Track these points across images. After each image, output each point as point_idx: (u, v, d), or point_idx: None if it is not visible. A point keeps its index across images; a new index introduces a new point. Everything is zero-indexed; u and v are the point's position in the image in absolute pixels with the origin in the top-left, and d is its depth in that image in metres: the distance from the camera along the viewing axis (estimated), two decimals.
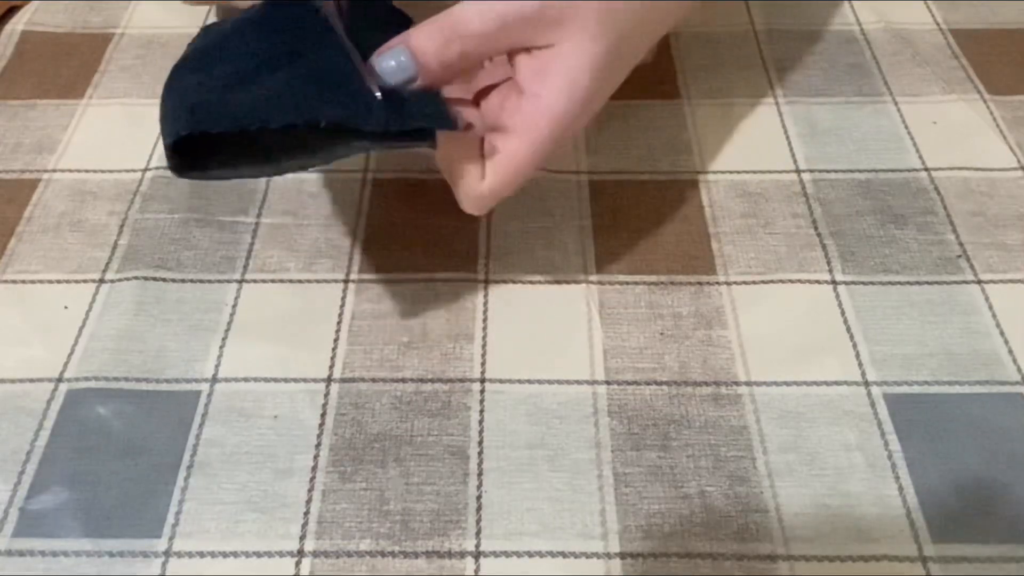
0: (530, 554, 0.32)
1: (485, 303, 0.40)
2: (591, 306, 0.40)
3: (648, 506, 0.34)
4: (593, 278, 0.41)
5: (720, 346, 0.38)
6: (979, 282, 0.41)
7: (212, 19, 0.54)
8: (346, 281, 0.41)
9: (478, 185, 0.35)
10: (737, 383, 0.37)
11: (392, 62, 0.33)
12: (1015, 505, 0.33)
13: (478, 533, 0.33)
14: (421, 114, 0.32)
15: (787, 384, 0.37)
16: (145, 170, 0.46)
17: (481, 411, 0.36)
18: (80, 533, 0.33)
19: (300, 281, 0.41)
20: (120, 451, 0.35)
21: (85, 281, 0.41)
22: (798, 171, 0.46)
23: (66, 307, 0.40)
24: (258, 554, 0.32)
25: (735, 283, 0.41)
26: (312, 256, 0.42)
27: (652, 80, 0.51)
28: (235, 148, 0.32)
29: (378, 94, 0.32)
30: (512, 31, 0.33)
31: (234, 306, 0.40)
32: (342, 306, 0.40)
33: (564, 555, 0.32)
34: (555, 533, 0.33)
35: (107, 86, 0.51)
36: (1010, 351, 0.38)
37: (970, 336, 0.39)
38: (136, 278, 0.41)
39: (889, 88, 0.50)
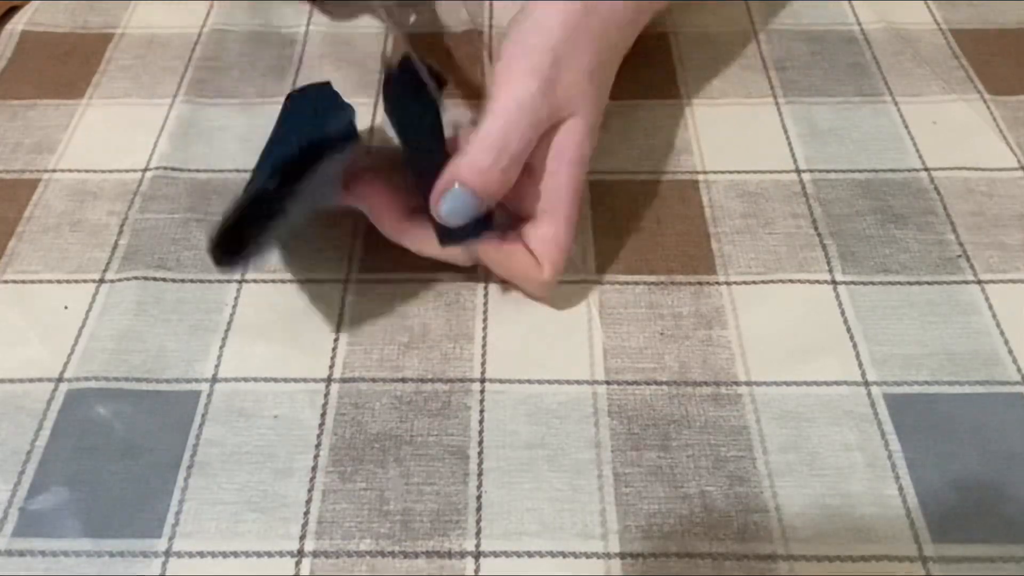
0: (530, 554, 0.32)
1: (485, 303, 0.40)
2: (591, 306, 0.40)
3: (648, 506, 0.34)
4: (593, 278, 0.41)
5: (720, 346, 0.38)
6: (979, 282, 0.41)
7: (212, 19, 0.54)
8: (346, 281, 0.41)
9: (539, 275, 0.38)
10: (737, 383, 0.37)
11: (453, 205, 0.36)
12: (1015, 505, 0.33)
13: (478, 533, 0.33)
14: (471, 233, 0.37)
15: (787, 384, 0.37)
16: (145, 170, 0.46)
17: (481, 411, 0.36)
18: (80, 533, 0.33)
19: (300, 281, 0.41)
20: (120, 451, 0.35)
21: (85, 281, 0.41)
22: (798, 171, 0.46)
23: (66, 307, 0.40)
24: (258, 554, 0.32)
25: (735, 283, 0.41)
26: (312, 256, 0.42)
27: (652, 80, 0.51)
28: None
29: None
30: (544, 131, 0.37)
31: (234, 306, 0.40)
32: (342, 306, 0.40)
33: (564, 555, 0.32)
34: (555, 533, 0.33)
35: (107, 86, 0.51)
36: (1010, 351, 0.38)
37: (970, 336, 0.39)
38: (136, 278, 0.41)
39: (889, 88, 0.50)
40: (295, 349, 0.38)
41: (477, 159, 0.35)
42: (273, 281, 0.41)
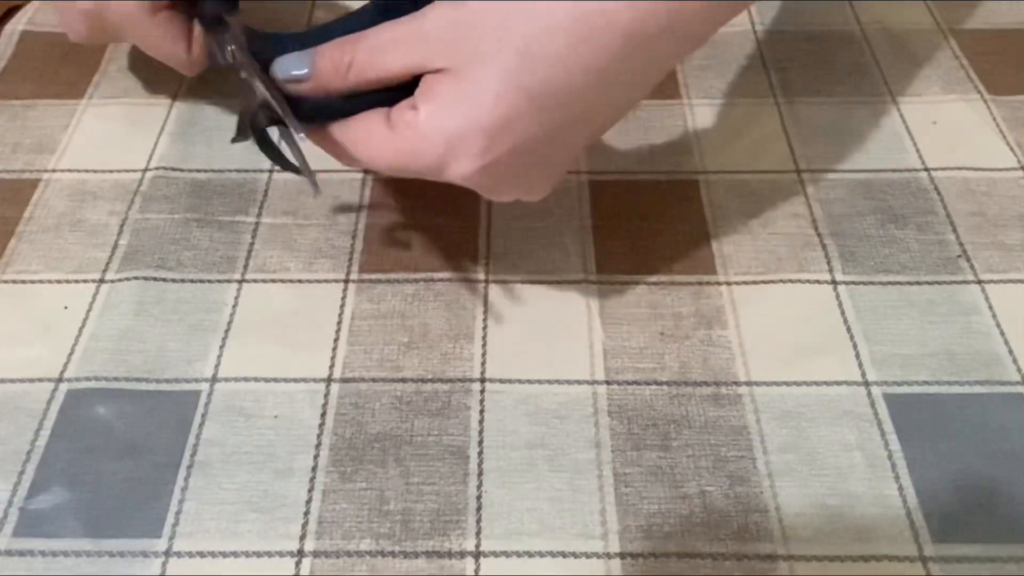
0: (530, 554, 0.32)
1: (485, 303, 0.40)
2: (591, 306, 0.40)
3: (648, 506, 0.34)
4: (593, 278, 0.41)
5: (720, 346, 0.38)
6: (979, 282, 0.41)
7: None
8: (346, 281, 0.41)
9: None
10: (737, 383, 0.37)
11: (291, 59, 0.33)
12: (1015, 505, 0.33)
13: (478, 533, 0.33)
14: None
15: (787, 384, 0.37)
16: (145, 170, 0.46)
17: (481, 411, 0.36)
18: (80, 533, 0.33)
19: (300, 281, 0.41)
20: (120, 451, 0.35)
21: (85, 281, 0.41)
22: (798, 171, 0.46)
23: (66, 307, 0.40)
24: (258, 554, 0.32)
25: (735, 283, 0.41)
26: (312, 256, 0.42)
27: None
28: None
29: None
30: (402, 48, 0.32)
31: (234, 306, 0.40)
32: (342, 306, 0.40)
33: (564, 555, 0.32)
34: (555, 533, 0.33)
35: (107, 86, 0.51)
36: (1010, 351, 0.38)
37: (970, 336, 0.39)
38: (136, 278, 0.41)
39: (889, 88, 0.50)
40: (295, 349, 0.38)
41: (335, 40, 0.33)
42: (273, 281, 0.41)
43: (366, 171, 0.43)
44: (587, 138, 0.34)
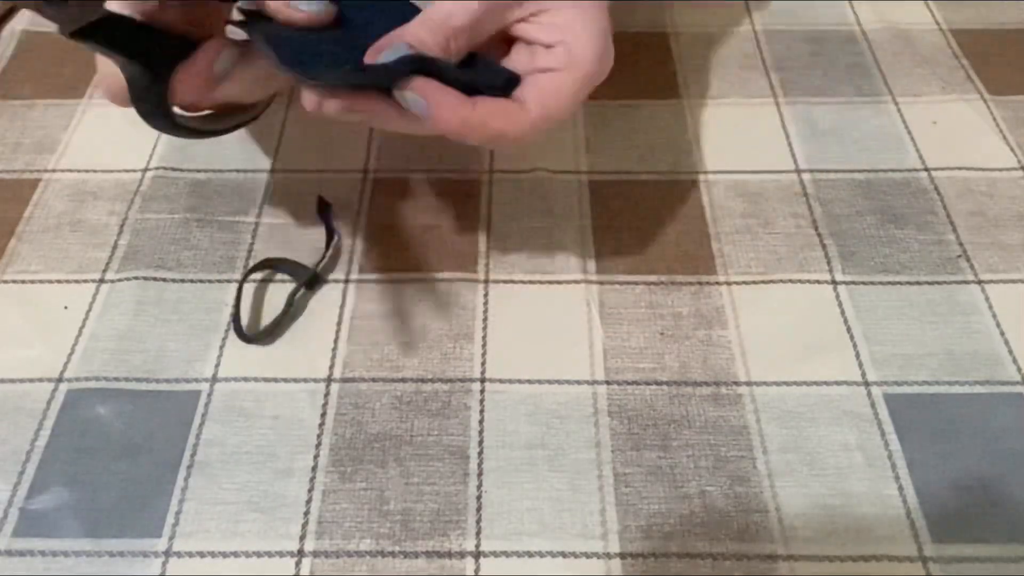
0: (530, 554, 0.32)
1: (485, 303, 0.40)
2: (591, 306, 0.40)
3: (648, 506, 0.34)
4: (593, 278, 0.41)
5: (720, 346, 0.38)
6: (979, 282, 0.41)
7: None
8: (346, 281, 0.41)
9: (519, 117, 0.33)
10: (737, 383, 0.37)
11: (393, 56, 0.32)
12: (1015, 505, 0.33)
13: (478, 533, 0.33)
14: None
15: (787, 384, 0.37)
16: (145, 170, 0.46)
17: (481, 411, 0.36)
18: (80, 533, 0.33)
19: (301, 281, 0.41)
20: (120, 451, 0.35)
21: (85, 281, 0.41)
22: (798, 171, 0.46)
23: (66, 307, 0.40)
24: (258, 554, 0.32)
25: (735, 283, 0.41)
26: (312, 256, 0.42)
27: (652, 80, 0.51)
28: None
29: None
30: (495, 14, 0.33)
31: (234, 306, 0.40)
32: (342, 306, 0.40)
33: (564, 555, 0.32)
34: (555, 533, 0.33)
35: None
36: (1010, 351, 0.38)
37: (970, 336, 0.39)
38: (136, 278, 0.41)
39: (889, 88, 0.50)
40: (295, 349, 0.38)
41: (422, 21, 0.33)
42: (273, 281, 0.41)
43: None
44: None
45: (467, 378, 0.37)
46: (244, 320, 0.39)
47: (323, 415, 0.36)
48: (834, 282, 0.41)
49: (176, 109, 0.34)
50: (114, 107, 0.45)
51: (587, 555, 0.32)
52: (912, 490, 0.34)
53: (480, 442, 0.35)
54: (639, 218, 0.43)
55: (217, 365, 0.38)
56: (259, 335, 0.38)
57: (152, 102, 0.33)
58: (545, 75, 0.33)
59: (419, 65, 0.31)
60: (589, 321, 0.39)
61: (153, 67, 0.32)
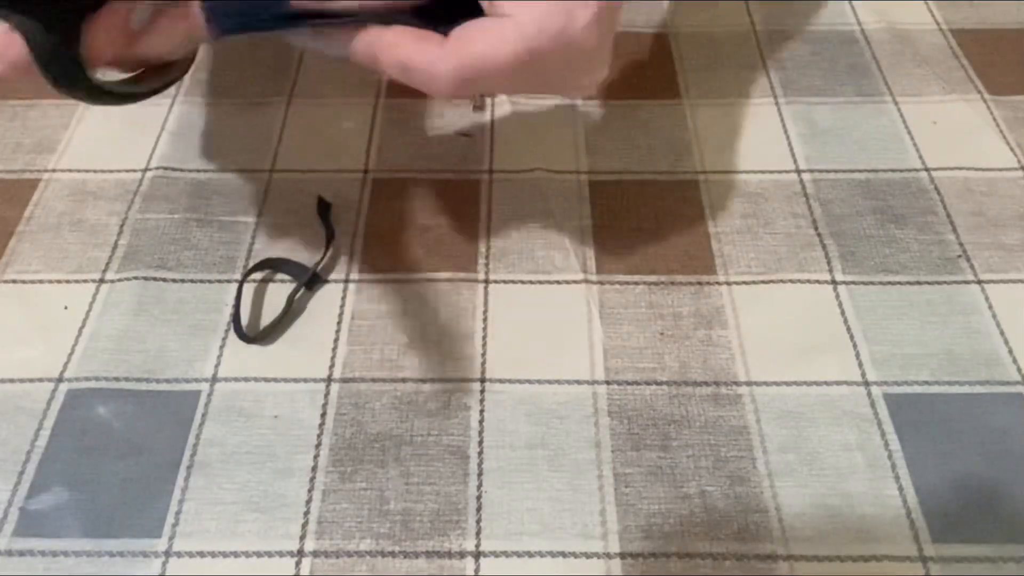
0: (530, 554, 0.32)
1: (485, 303, 0.40)
2: (591, 306, 0.40)
3: (648, 506, 0.34)
4: (593, 278, 0.41)
5: (720, 346, 0.38)
6: (979, 282, 0.41)
7: None
8: (346, 281, 0.41)
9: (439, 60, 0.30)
10: (737, 383, 0.37)
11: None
12: (1015, 505, 0.33)
13: (478, 533, 0.33)
14: None
15: (787, 384, 0.37)
16: (145, 170, 0.46)
17: (481, 411, 0.36)
18: (80, 533, 0.33)
19: (300, 281, 0.41)
20: (120, 451, 0.35)
21: (85, 281, 0.41)
22: (798, 171, 0.46)
23: (66, 307, 0.40)
24: (258, 554, 0.32)
25: (735, 283, 0.41)
26: (312, 256, 0.42)
27: (652, 80, 0.51)
28: None
29: None
30: None
31: (235, 306, 0.40)
32: (342, 306, 0.40)
33: (564, 555, 0.32)
34: (555, 533, 0.33)
35: None
36: (1010, 351, 0.38)
37: (970, 336, 0.39)
38: (136, 278, 0.41)
39: (889, 88, 0.50)
40: (295, 349, 0.38)
41: None
42: (273, 281, 0.41)
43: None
44: None
45: (467, 378, 0.37)
46: (244, 320, 0.39)
47: (323, 415, 0.36)
48: (834, 282, 0.41)
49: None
50: (114, 107, 0.45)
51: (587, 555, 0.32)
52: (912, 490, 0.34)
53: (480, 442, 0.35)
54: (639, 218, 0.43)
55: (217, 365, 0.38)
56: (259, 335, 0.38)
57: (62, 65, 0.29)
58: (477, 21, 0.30)
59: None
60: (589, 321, 0.39)
61: (58, 24, 0.28)
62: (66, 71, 0.29)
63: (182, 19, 0.30)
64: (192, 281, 0.41)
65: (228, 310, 0.40)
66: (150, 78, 0.33)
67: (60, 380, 0.37)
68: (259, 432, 0.36)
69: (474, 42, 0.29)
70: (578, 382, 0.37)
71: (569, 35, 0.29)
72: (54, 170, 0.46)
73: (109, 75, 0.31)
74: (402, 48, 0.30)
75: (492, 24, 0.29)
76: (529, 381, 0.37)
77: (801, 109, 0.49)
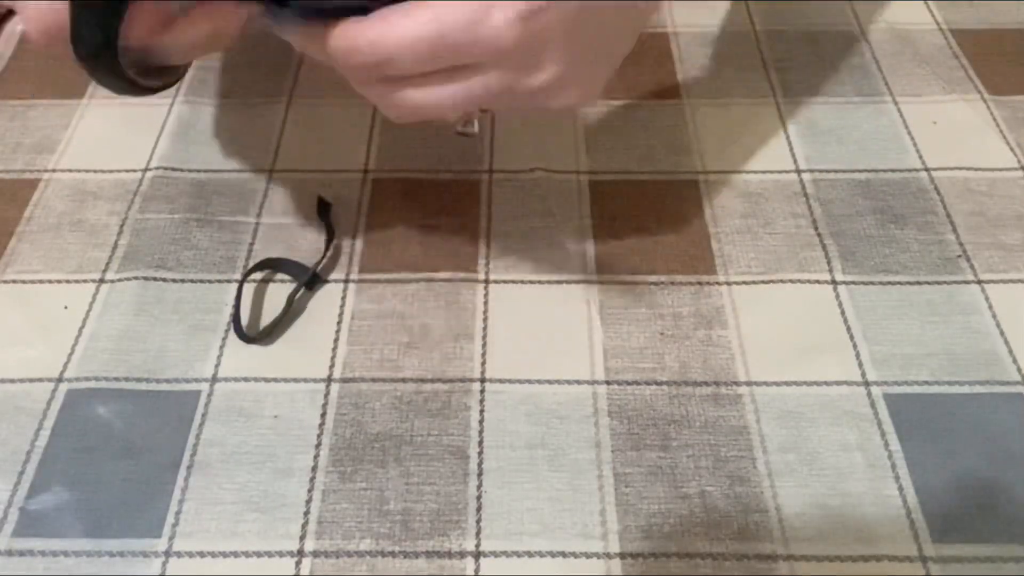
0: (530, 554, 0.32)
1: (485, 303, 0.40)
2: (591, 306, 0.40)
3: (648, 506, 0.34)
4: (593, 278, 0.41)
5: (720, 346, 0.38)
6: (979, 282, 0.41)
7: None
8: (346, 281, 0.41)
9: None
10: (737, 383, 0.37)
11: None
12: (1015, 505, 0.33)
13: (478, 533, 0.33)
14: None
15: (787, 384, 0.37)
16: (145, 170, 0.46)
17: (481, 411, 0.36)
18: (80, 533, 0.33)
19: (301, 281, 0.41)
20: (120, 451, 0.35)
21: (85, 281, 0.41)
22: (798, 171, 0.46)
23: (66, 307, 0.40)
24: (258, 554, 0.32)
25: (735, 283, 0.41)
26: (312, 256, 0.42)
27: (652, 80, 0.51)
28: None
29: None
30: None
31: (234, 306, 0.40)
32: (342, 306, 0.40)
33: (564, 555, 0.32)
34: (555, 533, 0.33)
35: None
36: (1010, 351, 0.38)
37: (970, 336, 0.39)
38: (136, 278, 0.41)
39: (889, 88, 0.50)
40: (295, 349, 0.38)
41: None
42: (273, 281, 0.41)
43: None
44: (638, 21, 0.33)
45: (467, 378, 0.37)
46: (244, 320, 0.39)
47: (323, 415, 0.36)
48: (834, 282, 0.41)
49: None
50: (114, 107, 0.45)
51: (587, 555, 0.32)
52: (912, 490, 0.34)
53: (480, 442, 0.35)
54: (639, 218, 0.43)
55: (217, 365, 0.38)
56: (259, 335, 0.38)
57: (97, 43, 0.29)
58: (403, 3, 0.29)
59: None
60: (589, 321, 0.39)
61: (106, 3, 0.29)
62: (99, 49, 0.30)
63: (215, 13, 0.32)
64: (192, 281, 0.41)
65: (228, 310, 0.40)
66: (160, 73, 0.34)
67: (60, 380, 0.37)
68: (259, 432, 0.36)
69: (391, 19, 0.29)
70: (578, 382, 0.37)
71: (482, 30, 0.29)
72: (54, 170, 0.46)
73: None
74: (336, 38, 0.30)
75: (413, 6, 0.29)
76: (529, 381, 0.37)
77: (801, 109, 0.49)
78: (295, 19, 0.31)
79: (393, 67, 0.30)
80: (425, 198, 0.44)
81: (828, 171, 0.46)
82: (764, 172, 0.46)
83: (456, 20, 0.29)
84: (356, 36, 0.30)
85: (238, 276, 0.41)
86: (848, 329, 0.39)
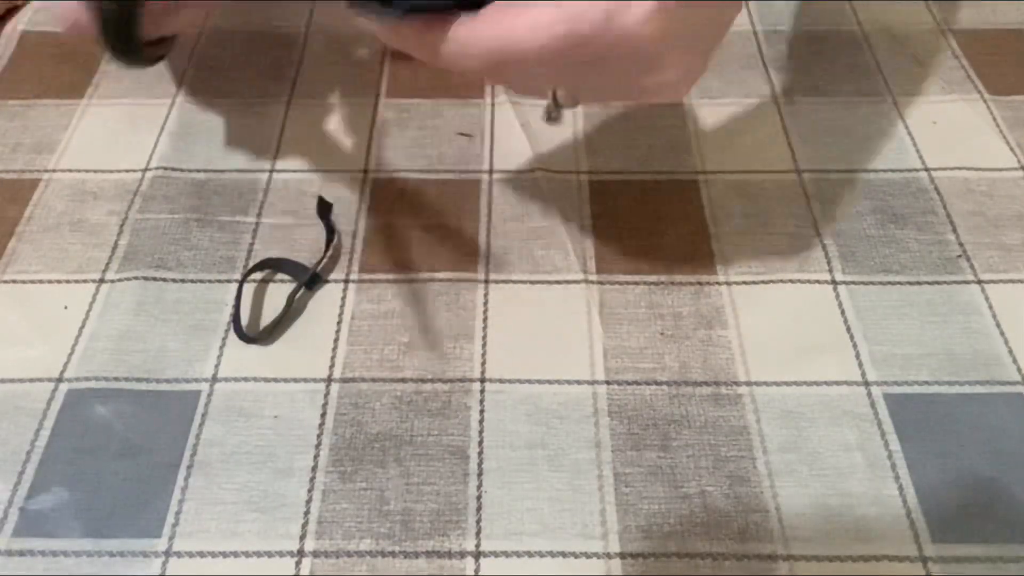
0: (530, 554, 0.32)
1: (485, 303, 0.40)
2: (591, 306, 0.40)
3: (648, 506, 0.34)
4: (593, 278, 0.41)
5: (720, 346, 0.38)
6: (979, 282, 0.41)
7: (211, 20, 0.54)
8: (346, 281, 0.41)
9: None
10: (737, 383, 0.37)
11: None
12: (1015, 505, 0.33)
13: (478, 533, 0.33)
14: None
15: (787, 384, 0.37)
16: (145, 170, 0.46)
17: (481, 411, 0.36)
18: (80, 533, 0.33)
19: (300, 281, 0.41)
20: (120, 451, 0.35)
21: (85, 281, 0.41)
22: (798, 171, 0.46)
23: (66, 307, 0.40)
24: (258, 554, 0.32)
25: (735, 283, 0.41)
26: (312, 256, 0.42)
27: None
28: None
29: None
30: None
31: (235, 306, 0.40)
32: (342, 306, 0.40)
33: (564, 555, 0.32)
34: (555, 533, 0.33)
35: (107, 86, 0.51)
36: (1010, 351, 0.38)
37: (970, 336, 0.39)
38: (136, 278, 0.41)
39: (889, 88, 0.50)
40: (295, 349, 0.38)
41: None
42: (273, 281, 0.41)
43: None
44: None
45: (467, 378, 0.37)
46: (244, 320, 0.39)
47: (323, 415, 0.36)
48: (834, 282, 0.41)
49: None
50: (114, 107, 0.45)
51: (587, 555, 0.32)
52: (912, 490, 0.34)
53: (480, 442, 0.35)
54: (639, 218, 0.43)
55: (217, 365, 0.38)
56: (259, 335, 0.38)
57: (123, 29, 0.34)
58: (516, 1, 0.28)
59: None
60: (589, 321, 0.39)
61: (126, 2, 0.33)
62: (126, 32, 0.34)
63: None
64: (192, 281, 0.41)
65: (228, 310, 0.40)
66: (156, 47, 0.40)
67: (60, 380, 0.37)
68: (259, 432, 0.36)
69: (510, 19, 0.27)
70: (578, 382, 0.37)
71: (619, 25, 0.27)
72: (54, 170, 0.46)
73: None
74: (429, 34, 0.29)
75: (532, 4, 0.27)
76: (529, 381, 0.37)
77: (801, 109, 0.49)
78: (392, 16, 0.30)
79: (514, 68, 0.29)
80: (425, 198, 0.44)
81: (828, 171, 0.46)
82: (764, 172, 0.46)
83: (589, 18, 0.27)
84: (474, 41, 0.28)
85: (238, 276, 0.41)
86: (848, 329, 0.39)
